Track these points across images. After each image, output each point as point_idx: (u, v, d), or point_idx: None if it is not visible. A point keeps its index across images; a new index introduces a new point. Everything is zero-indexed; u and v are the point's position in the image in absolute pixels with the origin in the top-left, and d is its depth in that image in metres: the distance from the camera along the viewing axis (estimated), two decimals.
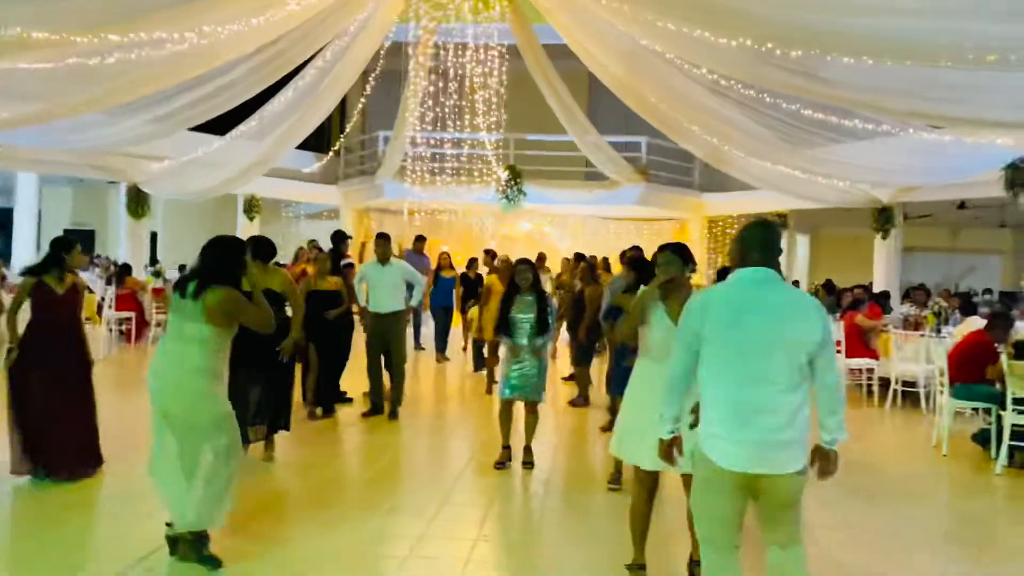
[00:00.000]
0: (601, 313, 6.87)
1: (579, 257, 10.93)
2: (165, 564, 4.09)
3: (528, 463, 6.22)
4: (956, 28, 5.15)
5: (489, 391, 9.24)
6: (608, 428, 7.66)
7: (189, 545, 4.09)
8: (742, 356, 3.00)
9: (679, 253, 4.23)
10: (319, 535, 4.63)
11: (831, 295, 13.42)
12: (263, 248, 5.96)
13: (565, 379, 9.25)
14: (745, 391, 2.99)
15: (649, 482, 4.05)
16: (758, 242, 3.14)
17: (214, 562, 4.07)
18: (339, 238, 9.10)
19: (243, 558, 4.25)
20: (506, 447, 6.30)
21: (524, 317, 6.07)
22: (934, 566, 4.65)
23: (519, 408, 6.31)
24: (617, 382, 6.03)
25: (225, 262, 4.16)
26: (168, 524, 4.16)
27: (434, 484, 5.75)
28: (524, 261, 6.38)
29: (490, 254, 12.48)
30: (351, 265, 8.61)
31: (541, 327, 6.07)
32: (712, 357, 3.06)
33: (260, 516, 4.99)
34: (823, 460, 3.12)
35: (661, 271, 4.16)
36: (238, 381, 5.64)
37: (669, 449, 3.25)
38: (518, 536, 4.89)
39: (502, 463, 6.21)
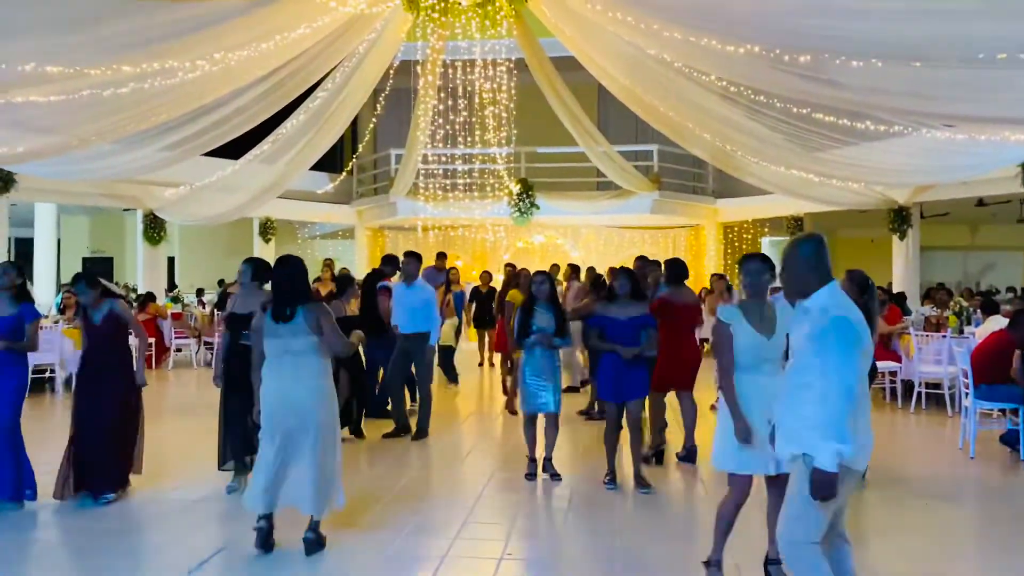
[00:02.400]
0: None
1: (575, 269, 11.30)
2: None
3: (555, 475, 6.29)
4: (963, 30, 5.12)
5: (511, 409, 9.16)
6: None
7: (313, 531, 4.59)
8: (865, 363, 3.15)
9: (767, 263, 4.26)
10: (342, 557, 4.62)
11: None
12: (261, 270, 5.89)
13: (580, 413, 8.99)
14: (865, 394, 3.17)
15: (748, 488, 4.08)
16: (827, 257, 3.30)
17: (323, 543, 4.64)
18: (385, 261, 9.08)
19: None
20: (533, 460, 6.36)
21: (543, 327, 6.16)
22: (962, 571, 4.58)
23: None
24: (603, 387, 6.11)
25: (300, 279, 4.70)
26: (261, 519, 4.58)
27: (456, 502, 5.73)
28: (541, 273, 6.49)
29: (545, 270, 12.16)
30: (387, 287, 8.64)
31: (559, 333, 6.20)
32: (860, 368, 3.14)
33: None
34: None
35: (753, 281, 4.16)
36: (232, 408, 5.81)
37: (834, 485, 3.03)
38: (543, 553, 4.86)
39: (532, 475, 6.27)
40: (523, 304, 6.42)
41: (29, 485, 5.58)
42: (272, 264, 5.11)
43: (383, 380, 8.49)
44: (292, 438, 4.58)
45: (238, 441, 5.86)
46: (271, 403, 4.60)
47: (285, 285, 4.67)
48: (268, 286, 5.98)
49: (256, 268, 5.86)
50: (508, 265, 12.50)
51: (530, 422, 6.36)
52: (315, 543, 4.58)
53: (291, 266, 4.72)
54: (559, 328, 6.21)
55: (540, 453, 6.41)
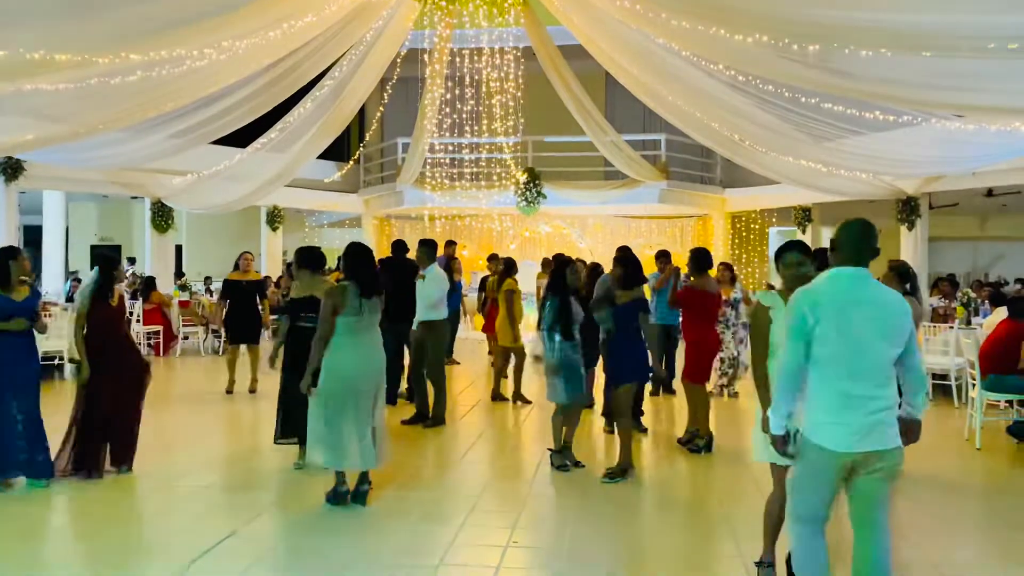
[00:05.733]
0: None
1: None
2: (209, 570, 4.15)
3: (577, 463, 6.33)
4: (973, 19, 5.09)
5: (503, 397, 9.13)
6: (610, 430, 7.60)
7: (363, 483, 5.30)
8: (851, 352, 3.19)
9: (806, 252, 4.25)
10: (349, 543, 4.66)
11: None
12: (314, 258, 6.30)
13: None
14: (853, 382, 3.19)
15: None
16: (855, 241, 3.30)
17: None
18: (399, 247, 8.97)
19: (276, 569, 4.29)
20: (559, 451, 6.34)
21: (576, 318, 6.21)
22: (967, 561, 4.59)
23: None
24: (615, 376, 6.19)
25: (372, 265, 5.41)
26: (343, 484, 5.28)
27: (463, 490, 5.76)
28: (569, 260, 6.60)
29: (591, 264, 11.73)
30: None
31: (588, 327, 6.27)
32: (822, 352, 3.22)
33: (293, 523, 5.04)
34: (909, 430, 3.38)
35: (790, 271, 4.13)
36: (296, 386, 5.96)
37: (785, 443, 3.39)
38: (549, 541, 4.88)
39: (564, 466, 6.25)
40: (560, 295, 6.34)
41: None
42: (310, 250, 6.02)
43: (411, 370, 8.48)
44: (363, 402, 5.19)
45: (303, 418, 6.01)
46: (351, 371, 5.16)
47: (372, 268, 5.34)
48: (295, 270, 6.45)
49: (307, 255, 6.30)
50: (507, 257, 12.36)
51: (562, 412, 6.30)
52: (367, 492, 5.30)
53: (367, 251, 5.44)
54: (589, 321, 6.29)
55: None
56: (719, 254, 17.41)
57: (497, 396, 9.26)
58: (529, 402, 8.98)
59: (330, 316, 5.16)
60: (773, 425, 3.38)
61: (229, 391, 9.60)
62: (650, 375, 6.66)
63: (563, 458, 6.27)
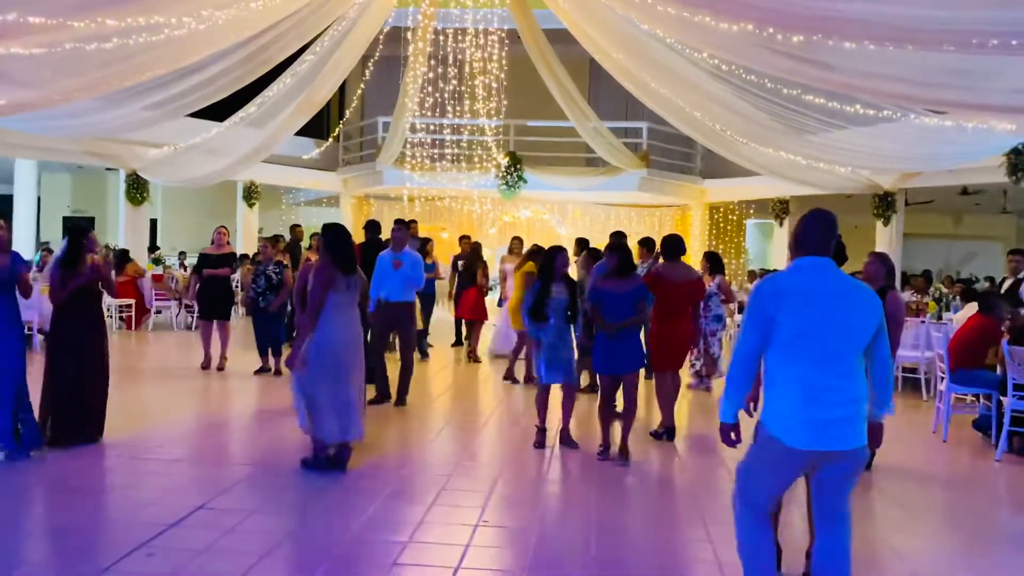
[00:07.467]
0: (586, 295, 6.87)
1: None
2: (166, 548, 4.10)
3: (571, 443, 6.40)
4: (958, 15, 5.12)
5: (517, 379, 9.21)
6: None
7: (345, 450, 5.51)
8: (813, 341, 3.11)
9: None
10: (319, 518, 4.63)
11: None
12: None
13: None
14: (817, 372, 3.10)
15: None
16: (817, 233, 3.26)
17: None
18: (372, 227, 9.13)
19: (244, 543, 4.26)
20: (543, 429, 6.44)
21: (558, 302, 6.29)
22: (932, 553, 4.66)
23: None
24: (598, 360, 6.24)
25: (351, 245, 5.62)
26: (320, 457, 5.47)
27: (435, 470, 5.76)
28: (560, 248, 6.62)
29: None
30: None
31: (573, 311, 6.34)
32: (783, 342, 3.15)
33: (262, 498, 5.00)
34: (872, 433, 3.28)
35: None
36: None
37: (729, 432, 3.33)
38: (520, 521, 4.88)
39: (541, 444, 6.38)
40: (540, 279, 6.45)
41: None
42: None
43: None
44: (344, 374, 5.41)
45: None
46: (338, 345, 5.39)
47: (352, 246, 5.59)
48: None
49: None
50: (541, 245, 12.20)
51: (543, 391, 6.45)
52: (348, 458, 5.52)
53: (346, 231, 5.61)
54: (571, 304, 6.33)
55: (550, 424, 6.53)
56: (697, 244, 17.51)
57: (509, 376, 9.36)
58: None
59: (323, 291, 5.33)
60: (724, 413, 3.30)
61: (205, 367, 9.48)
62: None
63: (544, 436, 6.40)
